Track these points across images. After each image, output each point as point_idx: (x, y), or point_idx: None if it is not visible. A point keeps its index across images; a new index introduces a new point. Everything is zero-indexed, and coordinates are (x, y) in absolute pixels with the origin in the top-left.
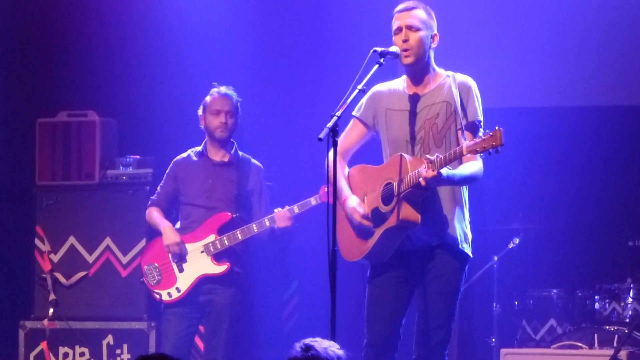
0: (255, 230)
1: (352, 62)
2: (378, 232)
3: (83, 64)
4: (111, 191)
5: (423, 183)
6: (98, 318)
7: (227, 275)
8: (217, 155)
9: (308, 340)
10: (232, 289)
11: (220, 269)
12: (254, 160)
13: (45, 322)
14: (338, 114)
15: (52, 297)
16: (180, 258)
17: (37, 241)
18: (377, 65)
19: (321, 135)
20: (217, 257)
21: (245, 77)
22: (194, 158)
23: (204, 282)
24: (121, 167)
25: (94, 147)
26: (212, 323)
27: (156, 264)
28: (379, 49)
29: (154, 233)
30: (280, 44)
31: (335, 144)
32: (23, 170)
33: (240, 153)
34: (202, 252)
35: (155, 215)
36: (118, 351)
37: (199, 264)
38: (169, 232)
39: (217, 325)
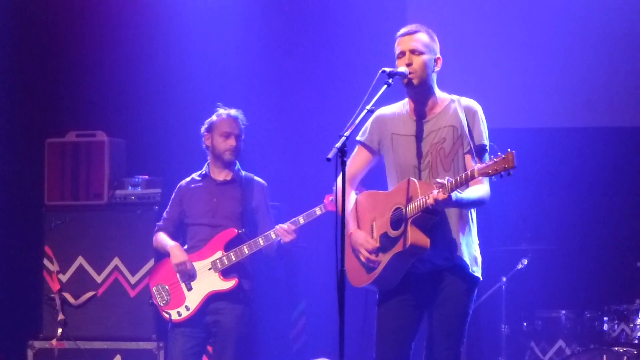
0: (262, 244)
1: (361, 81)
2: (387, 257)
3: (92, 85)
4: (120, 211)
5: (433, 204)
6: (106, 338)
7: (235, 292)
8: (220, 175)
9: None
10: (240, 307)
11: (228, 284)
12: (257, 178)
13: (54, 342)
14: (346, 134)
15: (60, 317)
16: (189, 277)
17: (45, 261)
18: (385, 86)
19: (330, 156)
20: (225, 273)
21: (253, 97)
22: (198, 179)
23: (211, 300)
24: (130, 187)
25: (102, 167)
26: (220, 343)
27: (165, 285)
28: (387, 69)
29: (162, 254)
30: (289, 63)
31: (343, 164)
32: (32, 190)
33: (243, 172)
34: (209, 269)
35: (162, 237)
36: None
37: (207, 280)
38: (177, 252)
39: (224, 345)
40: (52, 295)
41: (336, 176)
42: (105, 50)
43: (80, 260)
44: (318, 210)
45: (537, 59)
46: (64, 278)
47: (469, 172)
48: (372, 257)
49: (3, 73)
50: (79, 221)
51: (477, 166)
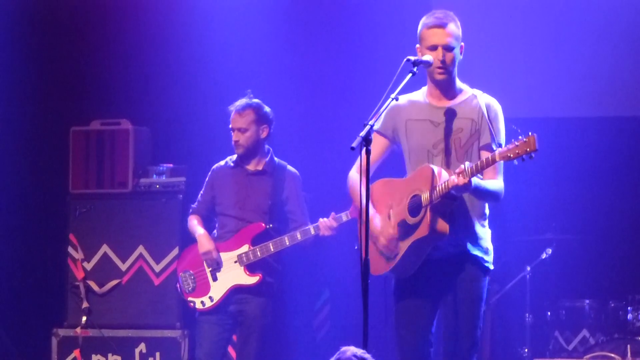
0: (287, 243)
1: (386, 70)
2: (406, 244)
3: (116, 73)
4: (144, 200)
5: (453, 191)
6: (131, 326)
7: (259, 286)
8: (251, 165)
9: (354, 351)
10: (263, 298)
11: (252, 279)
12: (289, 167)
13: (78, 330)
14: (371, 122)
15: (85, 305)
16: (216, 266)
17: (70, 249)
18: (410, 74)
19: (354, 144)
20: (250, 268)
21: (278, 85)
22: (231, 165)
23: (235, 292)
24: (154, 176)
25: (127, 155)
26: (244, 333)
27: (191, 272)
28: (412, 58)
29: (187, 241)
30: (314, 53)
31: (368, 153)
32: (56, 179)
33: (276, 160)
34: (235, 262)
35: (193, 223)
36: (150, 359)
37: (232, 274)
38: (204, 241)
39: (248, 335)
40: (77, 283)
41: (361, 165)
42: (130, 38)
43: (104, 248)
44: (344, 217)
45: (560, 47)
46: (89, 266)
47: (489, 157)
48: (391, 245)
49: (29, 62)
50: (103, 209)
51: (499, 150)
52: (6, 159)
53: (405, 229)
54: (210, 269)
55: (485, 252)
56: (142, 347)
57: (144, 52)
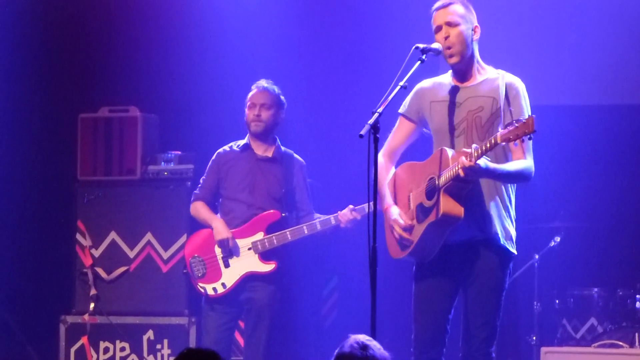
0: (306, 232)
1: (395, 58)
2: (422, 228)
3: (125, 60)
4: (152, 187)
5: (462, 174)
6: (138, 313)
7: (272, 274)
8: (260, 149)
9: (359, 338)
10: (272, 286)
11: (267, 267)
12: (296, 156)
13: (86, 316)
14: (379, 110)
15: (93, 292)
16: (230, 254)
17: (78, 236)
18: (419, 62)
19: (362, 132)
20: (265, 256)
21: (286, 72)
22: (237, 150)
23: (248, 280)
24: (162, 163)
25: (135, 142)
26: (253, 320)
27: (201, 257)
28: (420, 46)
29: (195, 228)
30: (322, 39)
31: (376, 141)
32: (65, 166)
33: (282, 148)
34: (249, 249)
35: (203, 210)
36: (158, 346)
37: (246, 261)
38: (221, 227)
39: (257, 323)
40: (85, 270)
41: (369, 152)
42: (138, 25)
43: (112, 235)
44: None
45: (576, 35)
46: (97, 253)
47: (492, 139)
48: (405, 234)
49: (36, 49)
50: (111, 196)
51: (500, 132)
52: (15, 146)
53: (422, 212)
54: (222, 255)
55: (508, 236)
56: (150, 334)
57: (153, 39)
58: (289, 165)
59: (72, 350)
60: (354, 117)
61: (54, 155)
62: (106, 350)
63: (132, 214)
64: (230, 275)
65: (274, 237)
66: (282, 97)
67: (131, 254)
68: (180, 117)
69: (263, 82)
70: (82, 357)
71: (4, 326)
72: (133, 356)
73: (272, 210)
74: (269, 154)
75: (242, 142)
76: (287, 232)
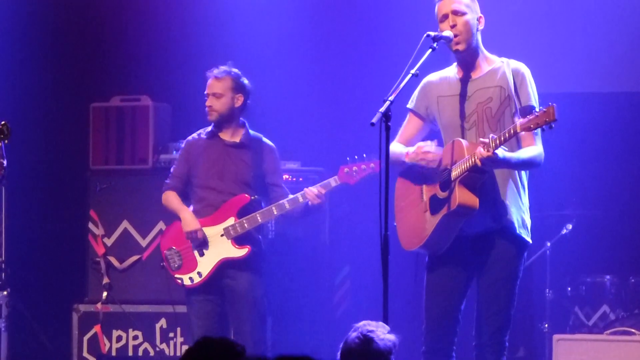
0: (275, 213)
1: (407, 46)
2: (436, 219)
3: (136, 49)
4: (164, 176)
5: (479, 164)
6: (151, 301)
7: (247, 258)
8: (227, 135)
9: (365, 328)
10: (250, 272)
11: (241, 252)
12: (265, 139)
13: (99, 305)
14: (391, 98)
15: (105, 280)
16: (201, 244)
17: (90, 225)
18: (430, 50)
19: (374, 120)
20: (238, 241)
21: (297, 61)
22: (204, 137)
23: (224, 266)
24: (174, 152)
25: (147, 131)
26: (235, 308)
27: (176, 249)
28: (432, 34)
29: (176, 217)
30: (334, 28)
31: (387, 129)
32: (77, 155)
33: (251, 132)
34: (222, 235)
35: (173, 200)
36: (171, 334)
37: (220, 247)
38: (189, 219)
39: (239, 311)
40: (97, 259)
41: (380, 141)
42: (150, 14)
43: (125, 224)
44: (332, 182)
45: (587, 21)
46: (109, 242)
47: (511, 129)
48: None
49: (48, 37)
50: (123, 185)
51: (519, 121)
52: (27, 135)
53: (436, 204)
54: (195, 246)
55: (522, 225)
56: (162, 322)
57: (164, 29)
58: (257, 149)
59: (85, 338)
60: (365, 105)
61: (66, 144)
62: (119, 338)
63: (144, 203)
64: (206, 264)
65: (244, 220)
66: (240, 81)
67: (143, 243)
68: (191, 106)
69: (219, 69)
70: (95, 345)
71: (18, 315)
72: (146, 344)
73: (240, 195)
74: (237, 139)
75: (209, 129)
76: (257, 215)
